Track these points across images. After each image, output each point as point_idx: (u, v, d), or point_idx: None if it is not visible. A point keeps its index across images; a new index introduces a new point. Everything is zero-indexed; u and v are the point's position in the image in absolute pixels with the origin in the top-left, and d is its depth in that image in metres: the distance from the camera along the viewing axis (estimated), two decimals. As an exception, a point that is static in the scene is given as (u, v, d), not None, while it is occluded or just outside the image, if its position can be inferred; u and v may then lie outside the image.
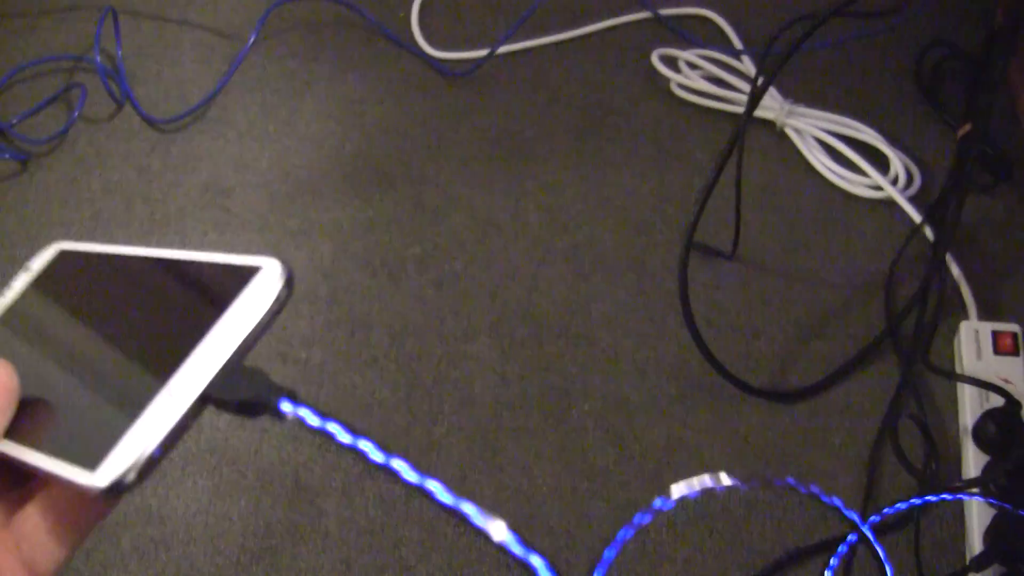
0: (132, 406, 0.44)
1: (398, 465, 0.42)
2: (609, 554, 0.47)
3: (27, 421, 0.48)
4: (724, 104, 1.11)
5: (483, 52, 1.15)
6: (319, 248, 1.03)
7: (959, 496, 0.87)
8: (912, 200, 1.05)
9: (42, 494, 0.48)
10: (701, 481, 0.48)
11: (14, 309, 0.56)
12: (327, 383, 0.97)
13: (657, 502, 0.49)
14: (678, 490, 0.49)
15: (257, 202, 1.08)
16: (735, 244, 1.00)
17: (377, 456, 0.42)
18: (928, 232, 1.03)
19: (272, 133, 1.12)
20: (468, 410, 0.95)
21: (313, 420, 0.43)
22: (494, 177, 1.08)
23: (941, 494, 0.83)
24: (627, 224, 1.04)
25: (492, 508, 0.88)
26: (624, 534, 0.47)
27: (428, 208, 1.06)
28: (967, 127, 1.05)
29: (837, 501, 0.49)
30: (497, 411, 0.95)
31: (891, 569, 0.50)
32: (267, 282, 0.46)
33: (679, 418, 0.95)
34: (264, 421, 0.95)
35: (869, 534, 0.50)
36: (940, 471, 0.92)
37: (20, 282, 0.57)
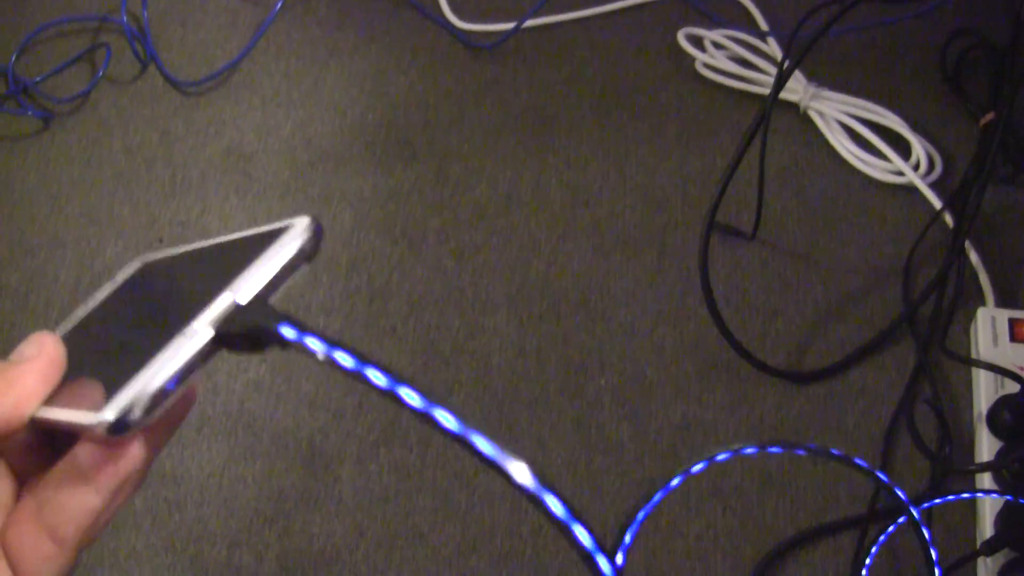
0: (147, 354, 0.44)
1: (405, 393, 0.40)
2: (642, 515, 0.47)
3: (65, 389, 0.48)
4: (749, 85, 1.11)
5: (510, 25, 1.15)
6: (340, 216, 1.04)
7: (1002, 496, 0.88)
8: (933, 187, 1.05)
9: (67, 456, 0.47)
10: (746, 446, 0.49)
11: (91, 317, 0.57)
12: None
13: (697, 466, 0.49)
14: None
15: (279, 168, 1.08)
16: (756, 225, 1.01)
17: (381, 381, 0.40)
18: (948, 219, 1.03)
19: (296, 100, 1.12)
20: (485, 381, 0.96)
21: (317, 346, 0.42)
22: (517, 151, 1.08)
23: (991, 492, 0.84)
24: (649, 202, 1.05)
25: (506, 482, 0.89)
26: (659, 496, 0.47)
27: (450, 180, 1.06)
28: (990, 116, 1.05)
29: (889, 480, 0.49)
30: (514, 383, 0.96)
31: (936, 553, 0.50)
32: (294, 234, 0.46)
33: (695, 396, 0.95)
34: (280, 386, 0.95)
35: (918, 516, 0.50)
36: (954, 456, 0.92)
37: (102, 292, 0.58)
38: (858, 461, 0.50)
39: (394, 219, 1.04)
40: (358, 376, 0.41)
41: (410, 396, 0.40)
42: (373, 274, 1.01)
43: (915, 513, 0.50)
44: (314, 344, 0.42)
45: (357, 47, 1.17)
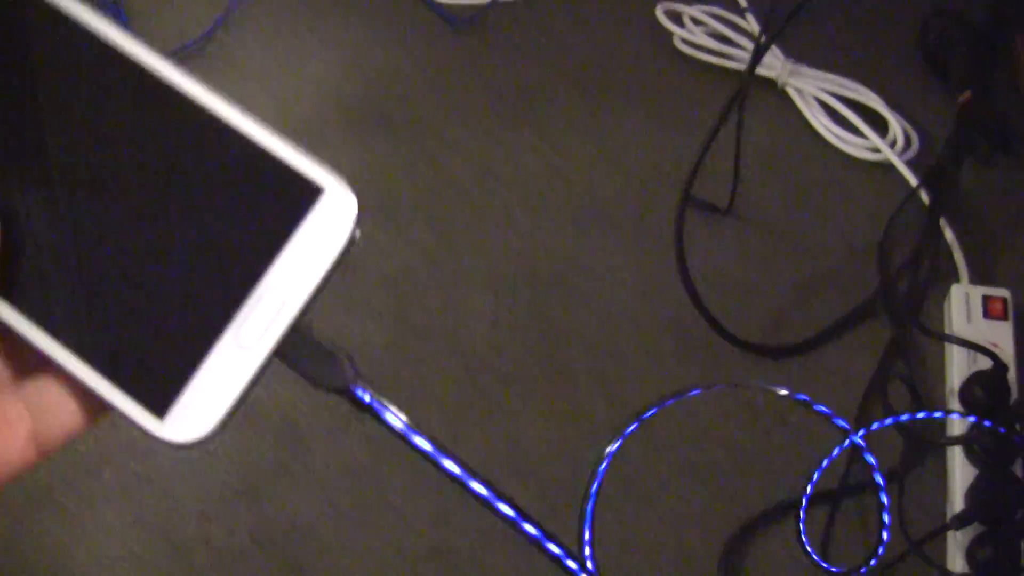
0: (192, 345, 0.42)
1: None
2: (595, 487, 0.47)
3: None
4: (727, 61, 1.11)
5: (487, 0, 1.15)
6: (315, 189, 1.03)
7: (946, 415, 0.88)
8: (909, 164, 1.05)
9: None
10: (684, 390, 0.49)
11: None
12: (317, 324, 0.96)
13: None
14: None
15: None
16: (732, 200, 1.01)
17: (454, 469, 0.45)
18: (924, 196, 1.03)
19: (271, 73, 1.12)
20: (458, 355, 0.95)
21: (395, 421, 0.45)
22: (494, 125, 1.08)
23: (934, 412, 0.84)
24: (625, 176, 1.05)
25: (481, 455, 0.89)
26: (603, 466, 0.47)
27: (427, 155, 1.06)
28: (967, 95, 1.05)
29: (827, 410, 0.50)
30: (488, 357, 0.95)
31: (883, 480, 0.50)
32: (334, 214, 0.43)
33: (671, 371, 0.95)
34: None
35: (860, 443, 0.50)
36: (926, 430, 0.92)
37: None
38: (819, 408, 0.50)
39: (370, 192, 1.03)
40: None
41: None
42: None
43: (858, 440, 0.50)
44: (392, 419, 0.45)
45: (335, 20, 1.16)
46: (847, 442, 0.52)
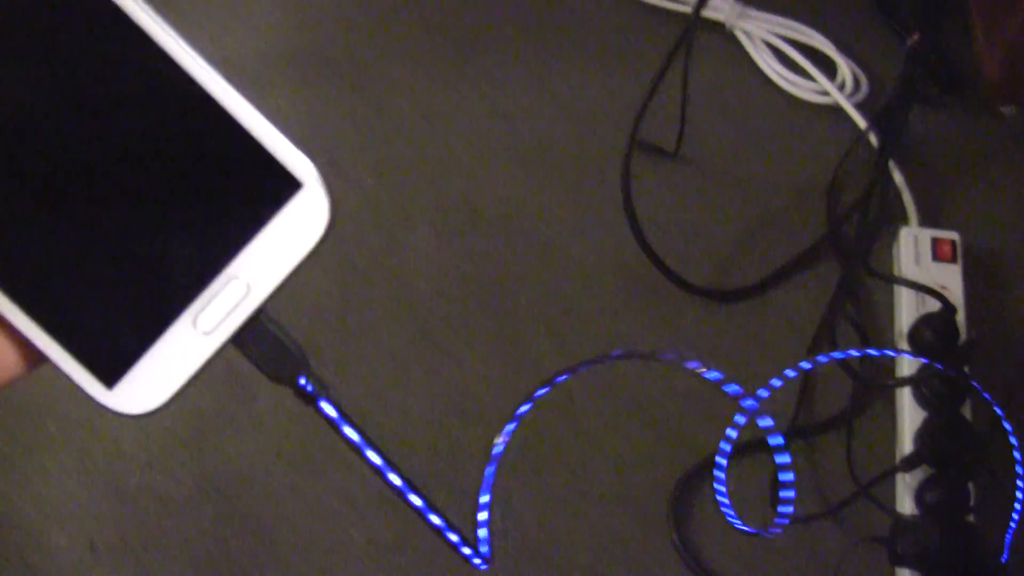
0: (149, 321, 0.42)
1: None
2: (489, 472, 0.47)
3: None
4: (676, 4, 1.09)
5: (431, -59, 1.13)
6: (258, 133, 1.02)
7: (888, 352, 0.88)
8: (859, 107, 1.04)
9: None
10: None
11: None
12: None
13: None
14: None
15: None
16: (679, 142, 1.00)
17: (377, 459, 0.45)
18: (873, 139, 1.02)
19: (212, 17, 1.09)
20: (403, 297, 0.94)
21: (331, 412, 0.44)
22: (439, 67, 1.06)
23: (877, 350, 0.83)
24: (572, 119, 1.03)
25: (425, 399, 0.88)
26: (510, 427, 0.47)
27: (370, 97, 1.04)
28: (916, 37, 1.05)
29: (717, 376, 0.48)
30: (432, 299, 0.94)
31: (782, 440, 0.49)
32: (308, 212, 0.42)
33: (617, 314, 0.94)
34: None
35: (753, 406, 0.49)
36: (875, 372, 0.92)
37: None
38: (708, 375, 0.49)
39: (314, 138, 1.02)
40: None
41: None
42: (292, 192, 0.99)
43: (750, 405, 0.49)
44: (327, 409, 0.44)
45: (276, -38, 1.14)
46: (742, 409, 0.51)
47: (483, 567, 0.46)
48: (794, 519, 0.87)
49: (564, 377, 0.48)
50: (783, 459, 0.50)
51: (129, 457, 0.88)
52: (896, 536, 0.84)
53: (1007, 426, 0.75)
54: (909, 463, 0.86)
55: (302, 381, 0.44)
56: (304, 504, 0.87)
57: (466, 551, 0.46)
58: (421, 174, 1.00)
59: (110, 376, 0.42)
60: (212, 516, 0.86)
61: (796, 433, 0.91)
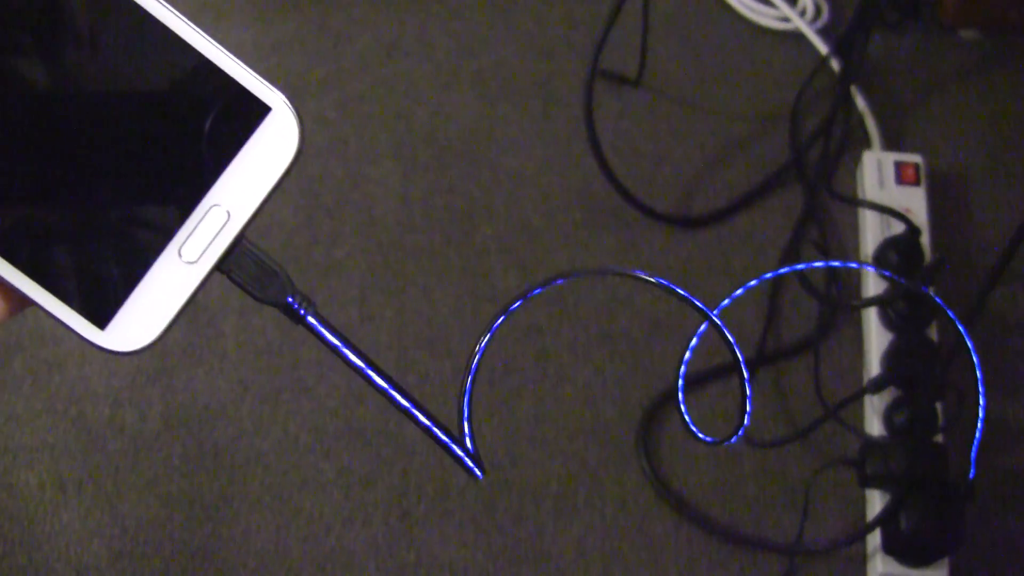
0: (135, 258, 0.41)
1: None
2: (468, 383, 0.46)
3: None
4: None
5: None
6: (220, 69, 0.98)
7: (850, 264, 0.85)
8: (820, 33, 1.01)
9: None
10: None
11: None
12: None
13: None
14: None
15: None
16: (640, 71, 0.96)
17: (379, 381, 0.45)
18: (834, 65, 0.99)
19: (173, -47, 1.05)
20: (369, 232, 0.91)
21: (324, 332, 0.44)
22: (400, 1, 1.02)
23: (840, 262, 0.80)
24: (534, 50, 1.00)
25: (394, 333, 0.85)
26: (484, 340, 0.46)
27: (332, 31, 1.00)
28: (876, -38, 1.01)
29: (685, 292, 0.46)
30: (399, 233, 0.90)
31: (742, 355, 0.46)
32: (279, 134, 0.42)
33: (582, 242, 0.91)
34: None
35: (718, 321, 0.46)
36: (842, 295, 0.89)
37: None
38: (677, 289, 0.46)
39: (276, 72, 0.98)
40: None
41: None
42: (255, 127, 0.95)
43: (714, 317, 0.47)
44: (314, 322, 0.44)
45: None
46: (704, 324, 0.48)
47: (479, 475, 0.45)
48: (764, 444, 0.84)
49: (538, 291, 0.46)
50: (744, 373, 0.47)
51: (96, 395, 0.84)
52: (865, 458, 0.81)
53: (969, 343, 0.72)
54: (876, 385, 0.83)
55: (290, 300, 0.43)
56: (272, 439, 0.83)
57: (468, 462, 0.47)
58: (385, 108, 0.96)
59: (102, 317, 0.41)
60: (181, 453, 0.83)
61: (764, 360, 0.87)
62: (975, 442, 0.76)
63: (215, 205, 0.41)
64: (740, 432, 0.51)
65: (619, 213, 0.91)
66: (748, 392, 0.51)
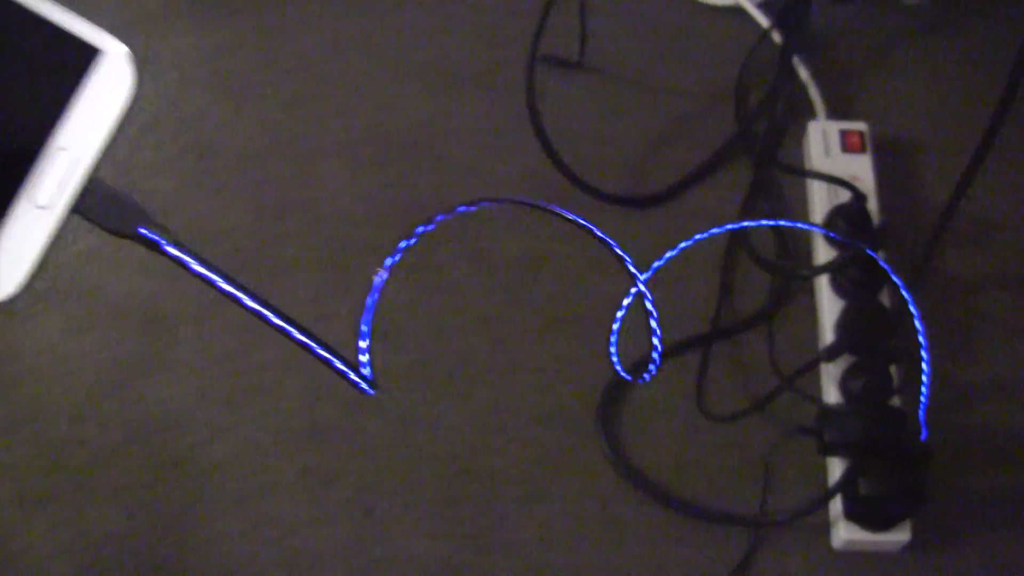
0: None
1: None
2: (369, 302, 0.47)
3: None
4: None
5: None
6: (164, 76, 0.97)
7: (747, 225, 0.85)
8: (760, 6, 1.00)
9: None
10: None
11: None
12: (175, 212, 0.91)
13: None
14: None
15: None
16: (581, 53, 0.96)
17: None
18: (776, 36, 0.98)
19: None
20: (318, 231, 0.90)
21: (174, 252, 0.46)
22: (340, -4, 1.02)
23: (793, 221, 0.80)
24: (476, 38, 0.99)
25: (348, 328, 0.84)
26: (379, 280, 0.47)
27: (273, 30, 1.00)
28: (813, -69, 1.01)
29: (626, 257, 0.47)
30: (348, 231, 0.90)
31: (656, 318, 0.47)
32: (113, 74, 0.43)
33: (535, 230, 0.91)
34: (111, 253, 0.89)
35: (644, 288, 0.47)
36: (793, 266, 0.89)
37: None
38: (618, 249, 0.47)
39: (219, 74, 0.97)
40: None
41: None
42: (200, 132, 0.94)
43: (642, 288, 0.47)
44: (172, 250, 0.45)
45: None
46: (633, 291, 0.49)
47: (370, 392, 0.48)
48: (722, 418, 0.84)
49: (445, 216, 0.48)
50: (655, 336, 0.48)
51: (55, 411, 0.84)
52: (822, 426, 0.81)
53: (910, 302, 0.73)
54: (831, 353, 0.83)
55: (143, 230, 0.45)
56: (233, 444, 0.83)
57: (353, 376, 0.49)
58: (329, 105, 0.96)
59: None
60: (141, 464, 0.83)
61: (719, 334, 0.87)
62: (922, 403, 0.77)
63: (61, 149, 0.42)
64: (654, 367, 0.52)
65: (569, 197, 0.90)
66: (657, 330, 0.52)
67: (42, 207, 0.42)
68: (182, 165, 0.93)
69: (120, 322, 0.87)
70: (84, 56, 0.43)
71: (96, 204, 0.43)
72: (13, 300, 0.42)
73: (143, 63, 0.95)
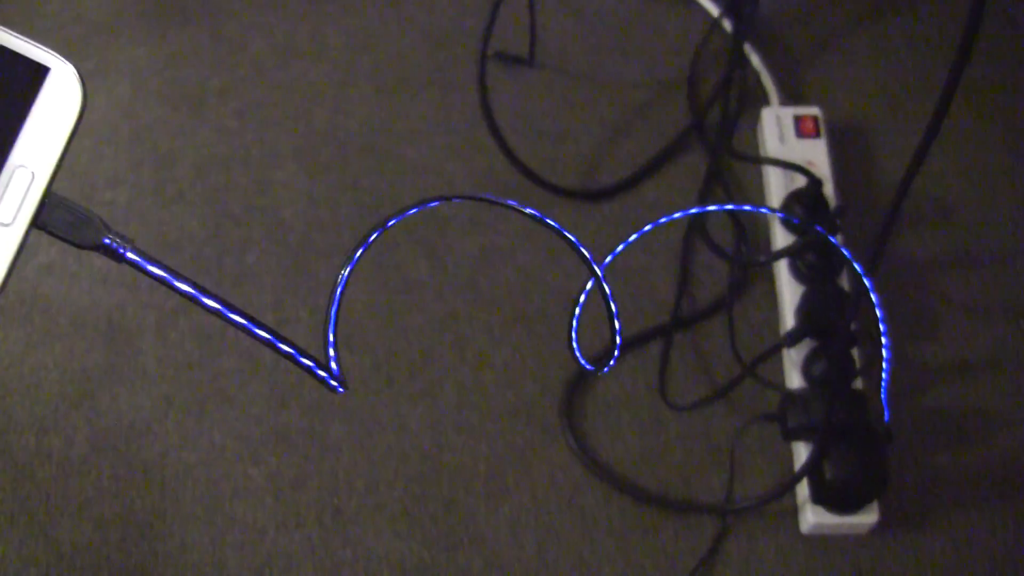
0: None
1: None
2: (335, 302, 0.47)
3: None
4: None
5: None
6: (117, 88, 0.97)
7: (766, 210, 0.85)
8: (710, -4, 1.01)
9: None
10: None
11: None
12: (135, 222, 0.91)
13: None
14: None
15: (49, 46, 1.00)
16: (532, 49, 0.96)
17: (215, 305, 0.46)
18: (727, 25, 0.99)
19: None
20: (279, 236, 0.90)
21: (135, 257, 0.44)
22: (291, 3, 1.01)
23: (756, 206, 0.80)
24: (427, 39, 0.99)
25: (310, 332, 0.84)
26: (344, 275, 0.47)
27: (226, 39, 0.99)
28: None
29: (579, 245, 0.47)
30: (308, 234, 0.90)
31: (615, 307, 0.47)
32: (62, 89, 0.43)
33: (490, 225, 0.91)
34: (72, 266, 0.89)
35: (600, 274, 0.47)
36: (751, 253, 0.89)
37: None
38: (569, 235, 0.47)
39: (173, 85, 0.97)
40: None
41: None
42: (157, 142, 0.94)
43: (598, 273, 0.48)
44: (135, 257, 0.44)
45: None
46: (592, 279, 0.49)
47: (340, 390, 0.47)
48: (685, 407, 0.84)
49: (395, 220, 0.48)
50: (615, 320, 0.48)
51: (21, 425, 0.84)
52: (786, 411, 0.82)
53: (868, 283, 0.73)
54: (792, 338, 0.83)
55: (107, 240, 0.44)
56: (200, 451, 0.83)
57: (322, 373, 0.48)
58: (284, 111, 0.96)
59: None
60: (110, 474, 0.82)
61: (679, 324, 0.88)
62: (883, 385, 0.77)
63: (19, 166, 0.42)
64: (616, 353, 0.53)
65: (525, 193, 0.91)
66: (616, 314, 0.52)
67: (5, 225, 0.42)
68: (140, 175, 0.93)
69: (82, 334, 0.87)
70: (31, 75, 0.43)
71: (58, 218, 0.43)
72: None
73: (97, 75, 0.95)
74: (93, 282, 0.89)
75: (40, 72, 0.43)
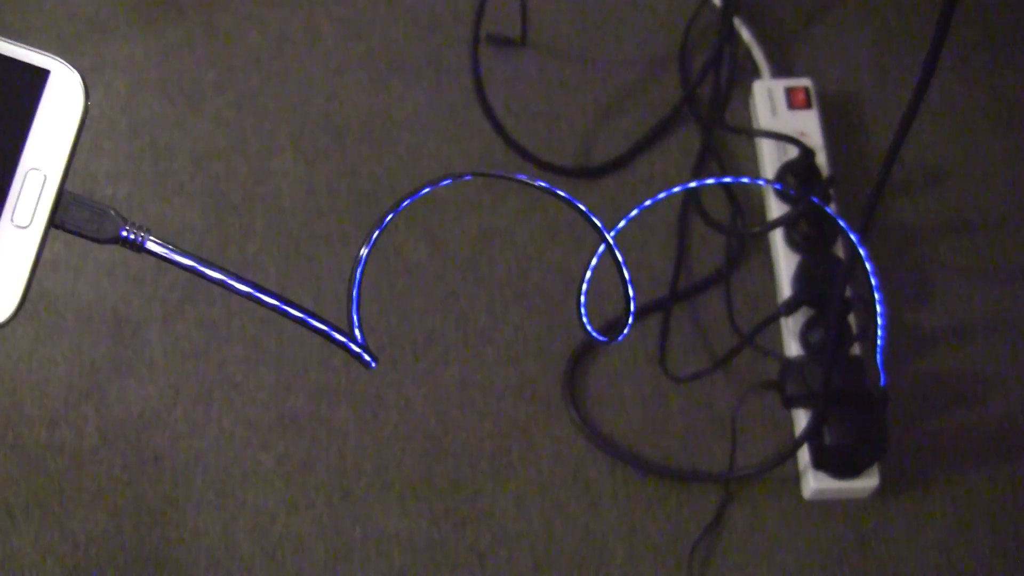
0: None
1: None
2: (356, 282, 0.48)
3: None
4: None
5: None
6: (114, 83, 0.97)
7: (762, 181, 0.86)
8: (699, -29, 1.01)
9: None
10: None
11: None
12: (136, 215, 0.91)
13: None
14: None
15: (45, 45, 1.01)
16: (523, 30, 0.97)
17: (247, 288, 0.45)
18: (716, 0, 0.99)
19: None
20: (279, 224, 0.91)
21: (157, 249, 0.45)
22: (284, -8, 1.02)
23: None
24: (420, 24, 1.00)
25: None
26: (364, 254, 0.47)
27: (220, 31, 1.00)
28: None
29: (589, 213, 0.48)
30: (308, 221, 0.91)
31: (628, 275, 0.48)
32: (65, 90, 0.44)
33: (489, 207, 0.91)
34: (76, 261, 0.90)
35: (612, 241, 0.48)
36: (746, 224, 0.90)
37: None
38: (578, 204, 0.48)
39: (169, 78, 0.98)
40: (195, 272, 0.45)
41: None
42: (155, 135, 0.95)
43: (609, 238, 0.48)
44: (154, 247, 0.45)
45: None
46: (603, 245, 0.50)
47: (372, 364, 0.47)
48: (686, 378, 0.85)
49: (407, 201, 0.48)
50: (628, 289, 0.49)
51: (32, 419, 0.85)
52: (785, 379, 0.83)
53: (861, 250, 0.74)
54: (789, 307, 0.84)
55: (124, 232, 0.45)
56: (209, 438, 0.84)
57: (356, 348, 0.48)
58: (280, 101, 0.96)
59: None
60: (121, 464, 0.84)
61: (678, 296, 0.88)
62: (879, 349, 0.78)
63: (31, 169, 0.43)
64: (630, 320, 0.53)
65: (522, 172, 0.91)
66: (629, 281, 0.52)
67: (23, 227, 0.42)
68: (139, 168, 0.94)
69: (89, 327, 0.88)
70: (32, 79, 0.44)
71: (74, 215, 0.44)
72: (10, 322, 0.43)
73: (93, 72, 0.96)
74: (98, 275, 0.89)
75: (40, 75, 0.44)
